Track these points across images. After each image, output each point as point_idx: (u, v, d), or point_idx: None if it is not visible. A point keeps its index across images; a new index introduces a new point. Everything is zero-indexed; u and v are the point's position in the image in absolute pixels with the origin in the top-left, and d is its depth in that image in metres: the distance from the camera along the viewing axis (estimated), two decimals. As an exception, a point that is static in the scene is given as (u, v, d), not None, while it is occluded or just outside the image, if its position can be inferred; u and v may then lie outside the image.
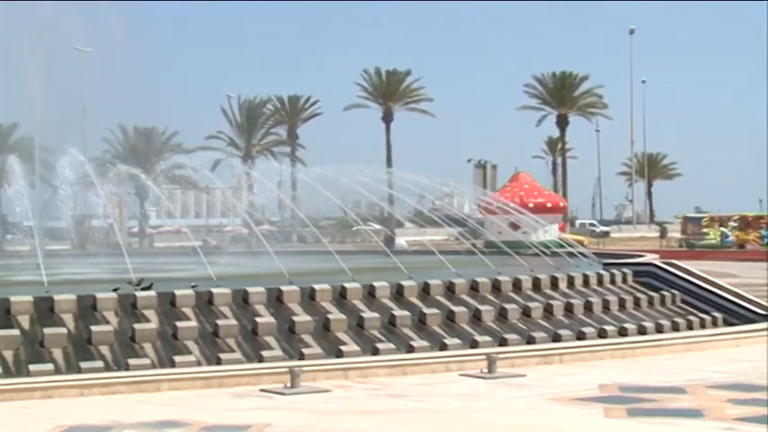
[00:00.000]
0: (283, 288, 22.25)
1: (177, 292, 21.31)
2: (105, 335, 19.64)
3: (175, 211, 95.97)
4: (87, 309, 20.51)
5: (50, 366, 18.41)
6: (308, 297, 22.29)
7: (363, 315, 21.91)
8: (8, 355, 18.66)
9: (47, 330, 19.38)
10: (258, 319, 20.98)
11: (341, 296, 22.57)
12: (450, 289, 24.36)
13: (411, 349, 21.02)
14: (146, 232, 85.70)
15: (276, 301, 22.00)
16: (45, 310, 20.20)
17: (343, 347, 20.55)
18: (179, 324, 20.35)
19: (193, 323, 20.58)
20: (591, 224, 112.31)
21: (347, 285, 22.78)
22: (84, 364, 18.51)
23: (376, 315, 22.00)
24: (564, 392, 15.31)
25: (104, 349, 19.32)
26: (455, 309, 23.27)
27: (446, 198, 58.90)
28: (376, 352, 20.66)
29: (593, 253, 37.43)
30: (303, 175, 52.30)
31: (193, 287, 21.82)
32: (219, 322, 20.65)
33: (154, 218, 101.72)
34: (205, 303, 21.40)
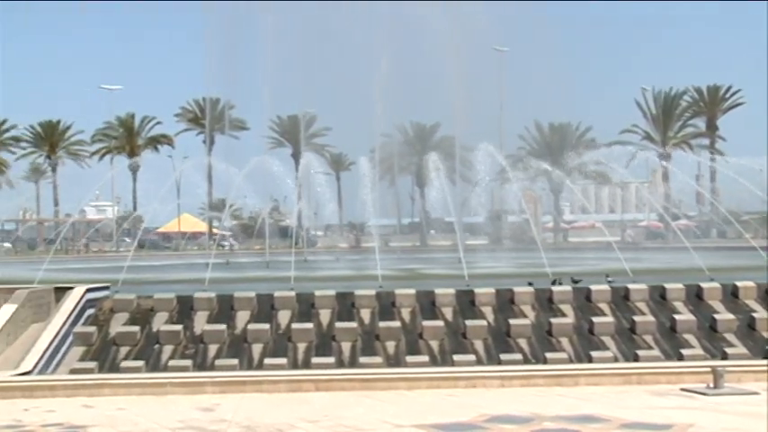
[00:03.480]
0: (703, 285, 21.42)
1: (593, 288, 21.27)
2: (523, 328, 20.07)
3: (590, 206, 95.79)
4: (506, 302, 21.09)
5: (472, 357, 19.14)
6: (731, 294, 21.26)
7: (793, 315, 20.48)
8: (434, 344, 19.67)
9: (468, 322, 20.18)
10: (677, 317, 20.36)
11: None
12: None
13: None
14: (560, 227, 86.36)
15: (696, 298, 21.22)
16: (466, 303, 21.05)
17: (770, 348, 19.35)
18: (595, 319, 20.28)
19: (610, 319, 20.43)
20: None
21: (775, 283, 21.42)
22: (503, 356, 19.04)
23: (810, 315, 20.46)
24: None
25: (522, 342, 19.75)
26: None
27: None
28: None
29: None
30: (723, 168, 50.10)
31: (610, 282, 21.65)
32: (636, 318, 20.31)
33: (568, 213, 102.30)
34: (621, 299, 21.15)
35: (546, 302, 21.08)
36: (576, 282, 22.03)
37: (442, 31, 49.70)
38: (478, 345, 19.68)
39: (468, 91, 52.03)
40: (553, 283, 21.91)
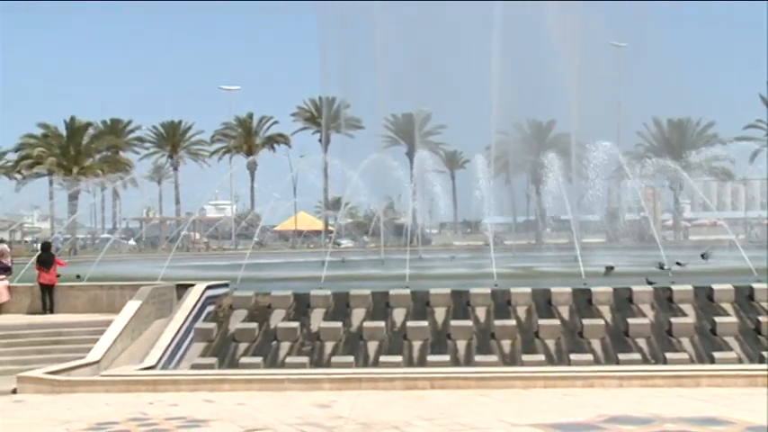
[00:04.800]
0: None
1: (715, 287, 20.74)
2: (642, 327, 19.69)
3: (711, 203, 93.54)
4: (624, 301, 20.73)
5: (590, 356, 18.86)
6: None
7: None
8: (550, 343, 19.47)
9: (586, 321, 19.90)
10: (805, 317, 19.69)
11: None
12: None
13: None
14: (680, 225, 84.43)
15: (825, 298, 20.49)
16: (583, 302, 20.77)
17: None
18: (718, 319, 19.76)
19: (733, 319, 19.87)
20: None
21: None
22: (622, 356, 18.71)
23: None
24: None
25: (641, 342, 19.37)
26: None
27: None
28: None
29: None
30: None
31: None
32: (762, 319, 19.70)
33: (688, 211, 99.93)
34: (745, 299, 20.57)
35: (665, 302, 20.64)
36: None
37: (558, 28, 49.17)
38: (596, 344, 19.40)
39: (585, 87, 51.30)
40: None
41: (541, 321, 19.95)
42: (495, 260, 25.70)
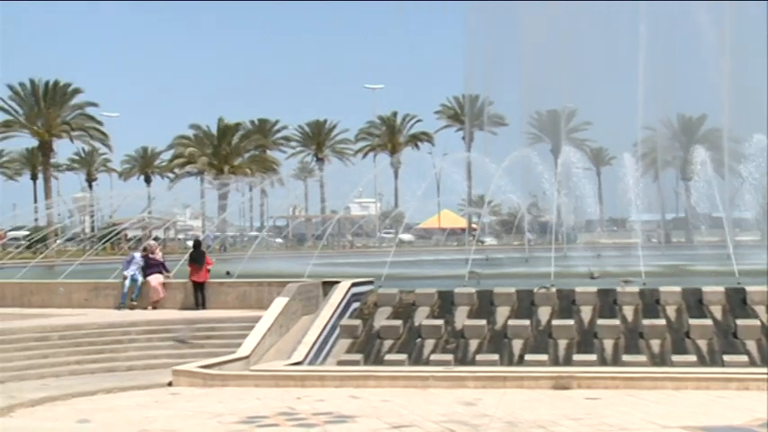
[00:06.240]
0: None
1: None
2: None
3: None
4: (780, 301, 19.97)
5: (744, 358, 18.24)
6: None
7: None
8: (702, 344, 18.91)
9: (740, 322, 19.25)
10: None
11: None
12: None
13: None
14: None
15: None
16: (737, 302, 20.08)
17: None
18: None
19: None
20: None
21: None
22: (779, 359, 18.04)
23: None
24: None
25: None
26: None
27: None
28: None
29: None
30: None
31: None
32: None
33: None
34: None
35: (826, 302, 19.78)
36: None
37: (706, 21, 47.71)
38: (751, 345, 18.74)
39: (736, 80, 49.63)
40: None
41: (692, 321, 19.40)
42: (642, 258, 25.13)
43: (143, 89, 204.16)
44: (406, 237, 69.50)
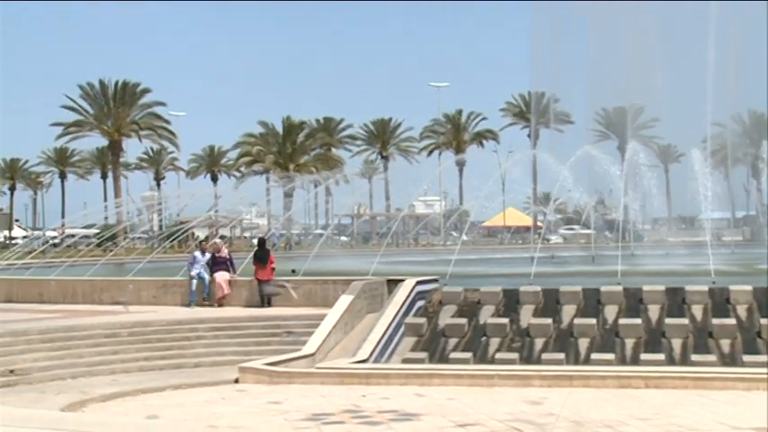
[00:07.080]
0: None
1: None
2: None
3: None
4: None
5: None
6: None
7: None
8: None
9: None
10: None
11: None
12: None
13: None
14: None
15: None
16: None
17: None
18: None
19: None
20: None
21: None
22: None
23: None
24: None
25: None
26: None
27: None
28: None
29: None
30: None
31: None
32: None
33: None
34: None
35: None
36: None
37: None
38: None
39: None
40: None
41: (764, 321, 19.03)
42: (712, 257, 24.74)
43: (209, 89, 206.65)
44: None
